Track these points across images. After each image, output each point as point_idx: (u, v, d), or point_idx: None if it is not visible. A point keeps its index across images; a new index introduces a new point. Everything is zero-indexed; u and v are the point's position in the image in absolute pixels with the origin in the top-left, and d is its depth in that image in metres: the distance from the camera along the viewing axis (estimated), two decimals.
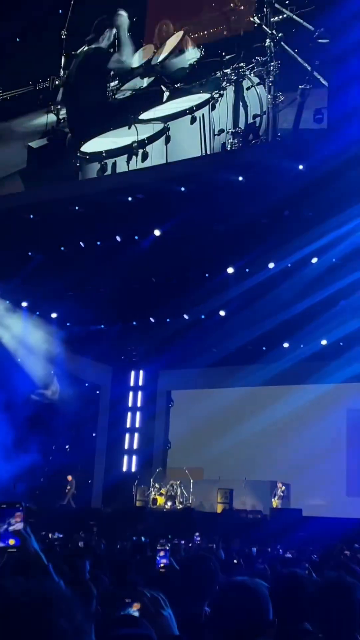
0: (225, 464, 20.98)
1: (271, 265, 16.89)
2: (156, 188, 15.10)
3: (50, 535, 13.34)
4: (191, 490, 20.36)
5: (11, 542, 2.69)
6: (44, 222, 16.50)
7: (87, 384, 23.48)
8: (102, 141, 15.17)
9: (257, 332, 19.16)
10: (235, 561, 6.11)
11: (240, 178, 14.33)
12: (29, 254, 17.74)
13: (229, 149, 13.79)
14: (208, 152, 14.01)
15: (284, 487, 19.61)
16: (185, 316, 19.79)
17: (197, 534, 12.35)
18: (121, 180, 15.26)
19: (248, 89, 13.49)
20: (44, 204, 16.22)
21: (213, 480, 20.87)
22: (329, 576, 3.41)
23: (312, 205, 14.85)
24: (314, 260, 16.40)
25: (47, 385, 21.26)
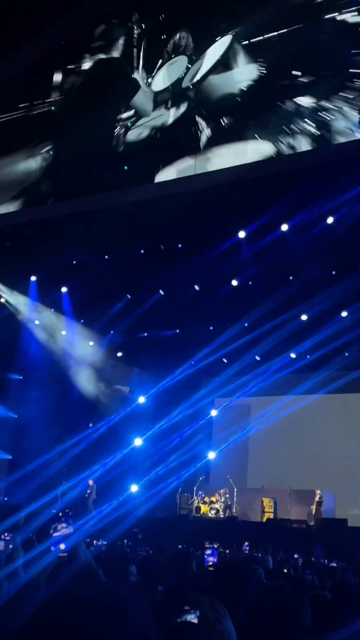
0: (269, 472, 20.85)
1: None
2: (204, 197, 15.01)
3: (94, 542, 13.39)
4: (235, 499, 20.27)
5: (62, 546, 2.75)
6: (87, 230, 16.65)
7: (130, 392, 23.59)
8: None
9: (300, 342, 19.05)
10: (285, 570, 6.07)
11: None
12: (73, 262, 17.93)
13: None
14: None
15: (319, 492, 19.35)
16: (229, 324, 19.76)
17: (246, 543, 12.27)
18: (168, 189, 15.17)
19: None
20: (88, 212, 16.36)
21: (257, 489, 20.74)
22: None
23: None
24: None
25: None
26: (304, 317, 18.54)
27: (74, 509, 17.86)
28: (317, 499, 19.21)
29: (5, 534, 4.02)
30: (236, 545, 12.69)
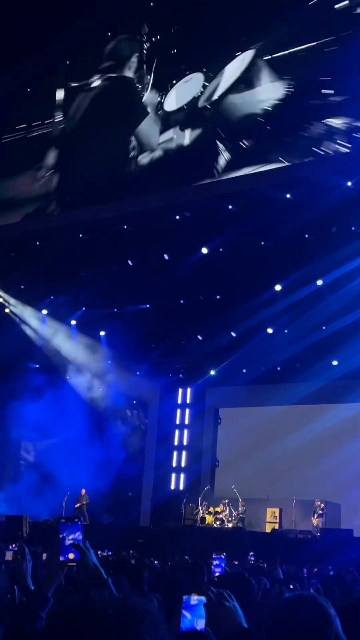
0: (274, 482, 20.76)
1: (319, 282, 16.79)
2: (204, 206, 15.17)
3: (99, 552, 13.35)
4: (244, 509, 20.18)
5: (71, 556, 2.73)
6: (93, 241, 16.72)
7: (134, 402, 23.59)
8: None
9: (304, 349, 19.03)
10: (291, 586, 6.03)
11: (288, 195, 14.31)
12: (82, 274, 18.00)
13: None
14: None
15: (322, 505, 19.23)
16: (233, 333, 19.76)
17: (251, 553, 12.23)
18: (169, 199, 15.34)
19: None
20: (92, 223, 16.45)
21: (262, 499, 20.66)
22: None
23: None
24: None
25: None
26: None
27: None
28: (319, 511, 19.11)
29: (13, 545, 4.01)
30: (244, 555, 12.65)
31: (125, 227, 16.27)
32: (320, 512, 19.11)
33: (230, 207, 14.81)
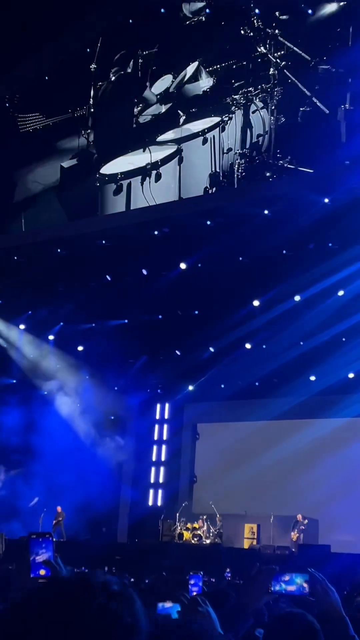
0: (252, 498, 20.74)
1: (297, 298, 16.90)
2: (182, 221, 15.27)
3: (75, 569, 13.20)
4: (221, 524, 20.11)
5: (42, 572, 2.69)
6: (71, 256, 16.71)
7: (112, 417, 23.45)
8: (119, 163, 16.35)
9: (282, 365, 19.09)
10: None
11: (266, 212, 14.44)
12: (60, 289, 17.95)
13: (236, 169, 14.61)
14: (217, 170, 14.92)
15: (306, 521, 19.19)
16: (211, 349, 19.78)
17: (227, 570, 12.18)
18: (147, 214, 15.44)
19: (254, 112, 14.76)
20: (72, 238, 16.45)
21: (240, 515, 20.60)
22: None
23: (336, 237, 14.95)
24: (341, 293, 16.43)
25: None
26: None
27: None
28: (300, 526, 19.06)
29: None
30: (221, 572, 12.58)
31: (103, 242, 16.28)
32: (302, 527, 19.04)
33: (208, 222, 14.92)
